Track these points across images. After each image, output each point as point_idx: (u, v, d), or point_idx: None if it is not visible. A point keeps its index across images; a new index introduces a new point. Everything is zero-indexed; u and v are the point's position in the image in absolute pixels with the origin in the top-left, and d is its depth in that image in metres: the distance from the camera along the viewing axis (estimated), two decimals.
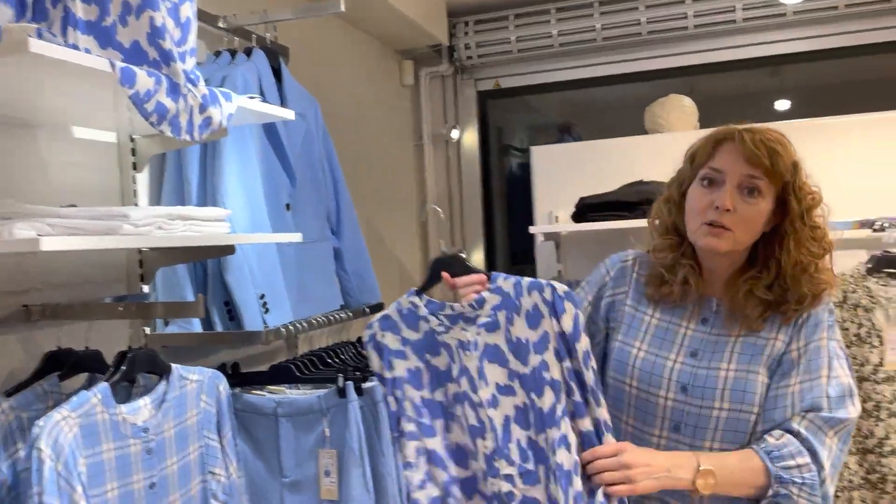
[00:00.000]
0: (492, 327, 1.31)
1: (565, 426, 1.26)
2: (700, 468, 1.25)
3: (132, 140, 1.74)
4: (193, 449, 1.43)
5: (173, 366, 1.41)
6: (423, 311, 1.34)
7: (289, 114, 1.67)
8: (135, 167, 1.73)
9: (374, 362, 1.35)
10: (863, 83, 3.68)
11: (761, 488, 1.27)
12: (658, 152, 2.69)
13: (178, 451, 1.39)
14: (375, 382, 1.40)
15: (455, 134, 3.56)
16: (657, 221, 1.45)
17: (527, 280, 1.30)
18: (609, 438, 1.25)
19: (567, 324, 1.26)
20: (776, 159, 1.29)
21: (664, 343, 1.39)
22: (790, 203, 1.32)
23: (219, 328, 1.75)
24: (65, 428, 1.18)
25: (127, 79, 1.14)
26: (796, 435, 1.27)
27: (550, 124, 4.06)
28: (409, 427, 1.30)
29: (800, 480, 1.25)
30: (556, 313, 1.27)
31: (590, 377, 1.25)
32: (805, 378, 1.31)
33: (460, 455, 1.31)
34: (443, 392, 1.32)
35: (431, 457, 1.31)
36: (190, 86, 1.28)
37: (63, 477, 1.16)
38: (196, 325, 1.75)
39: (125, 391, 1.42)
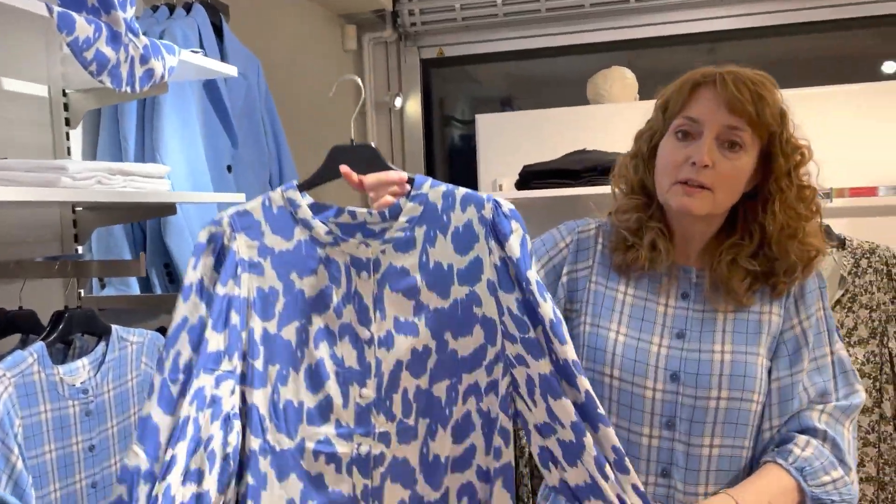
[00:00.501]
0: (404, 245, 1.00)
1: (497, 371, 1.01)
2: None
3: (65, 94, 1.67)
4: (134, 411, 1.39)
5: (112, 326, 1.37)
6: (305, 212, 1.00)
7: (231, 70, 1.63)
8: (68, 123, 1.67)
9: (199, 269, 0.97)
10: (795, 61, 3.80)
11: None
12: (600, 123, 2.74)
13: (118, 414, 1.36)
14: None
15: (398, 102, 3.53)
16: (622, 180, 1.25)
17: (462, 190, 1.01)
18: (582, 381, 0.98)
19: (514, 248, 0.98)
20: (762, 107, 1.11)
21: (644, 324, 1.18)
22: (776, 158, 1.15)
23: (158, 291, 1.71)
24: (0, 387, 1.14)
25: (65, 24, 1.09)
26: (817, 433, 1.13)
27: (493, 97, 4.06)
28: (227, 367, 0.96)
29: (838, 498, 1.11)
30: (497, 236, 0.99)
31: (547, 310, 0.97)
32: (811, 358, 1.16)
33: (291, 417, 1.00)
34: (296, 328, 1.00)
35: (249, 414, 0.98)
36: (131, 35, 1.23)
37: None
38: (134, 288, 1.71)
39: (61, 353, 1.38)
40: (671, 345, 1.16)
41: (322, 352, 1.00)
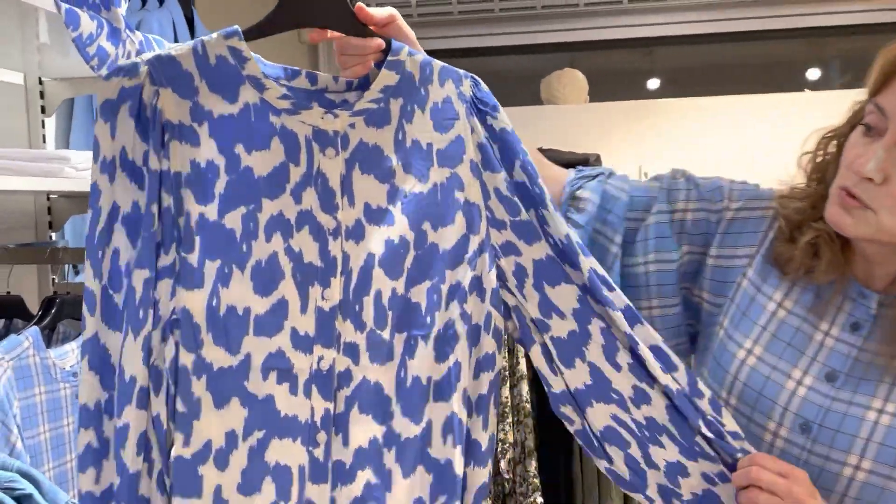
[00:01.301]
0: (378, 119, 0.83)
1: (481, 265, 0.86)
2: None
3: (41, 83, 1.68)
4: None
5: None
6: (254, 68, 0.79)
7: None
8: (44, 111, 1.68)
9: (118, 136, 0.76)
10: (727, 67, 4.03)
11: None
12: (554, 122, 2.87)
13: None
14: None
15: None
16: (814, 159, 0.96)
17: (438, 63, 0.86)
18: (587, 261, 0.85)
19: (504, 121, 0.86)
20: None
21: (788, 350, 0.91)
22: None
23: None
24: None
25: (71, 20, 1.13)
26: None
27: None
28: (163, 262, 0.77)
29: None
30: (479, 111, 0.86)
31: (538, 188, 0.85)
32: None
33: (233, 326, 0.78)
34: (242, 215, 0.79)
35: (180, 324, 0.77)
36: (128, 31, 1.27)
37: None
38: None
39: (46, 338, 1.41)
40: (814, 386, 0.88)
41: (275, 244, 0.80)
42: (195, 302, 0.77)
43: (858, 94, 0.89)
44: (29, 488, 0.90)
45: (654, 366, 0.85)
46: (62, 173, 1.15)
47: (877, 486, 0.84)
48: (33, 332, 1.26)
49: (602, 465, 0.89)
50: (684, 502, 0.87)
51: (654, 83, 4.24)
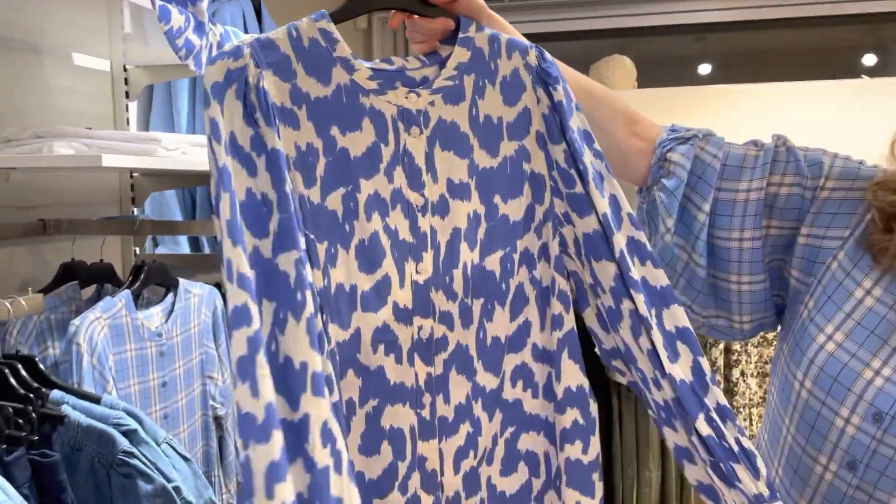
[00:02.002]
0: (454, 96, 0.85)
1: (547, 233, 0.90)
2: None
3: (125, 70, 1.83)
4: (195, 355, 1.58)
5: (179, 280, 1.56)
6: (344, 49, 0.81)
7: None
8: (128, 96, 1.83)
9: (226, 119, 0.74)
10: (781, 53, 4.01)
11: None
12: None
13: (183, 356, 1.55)
14: None
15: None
16: None
17: (504, 35, 0.88)
18: (618, 238, 0.86)
19: (561, 94, 0.87)
20: None
21: (870, 338, 0.89)
22: None
23: (206, 250, 1.89)
24: (97, 327, 1.33)
25: (163, 15, 1.26)
26: None
27: None
28: (302, 245, 0.77)
29: None
30: (545, 83, 0.87)
31: (588, 159, 0.86)
32: None
33: (343, 303, 0.81)
34: (342, 196, 0.81)
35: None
36: (211, 24, 1.40)
37: (97, 370, 1.31)
38: (184, 247, 1.89)
39: (133, 301, 1.56)
40: (892, 378, 0.87)
41: (375, 223, 0.82)
42: (317, 280, 0.78)
43: None
44: (134, 424, 1.04)
45: (662, 353, 0.85)
46: (155, 153, 1.28)
47: None
48: (125, 295, 1.41)
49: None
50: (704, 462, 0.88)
51: (705, 69, 4.25)
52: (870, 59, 3.92)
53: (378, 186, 0.83)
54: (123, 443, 1.02)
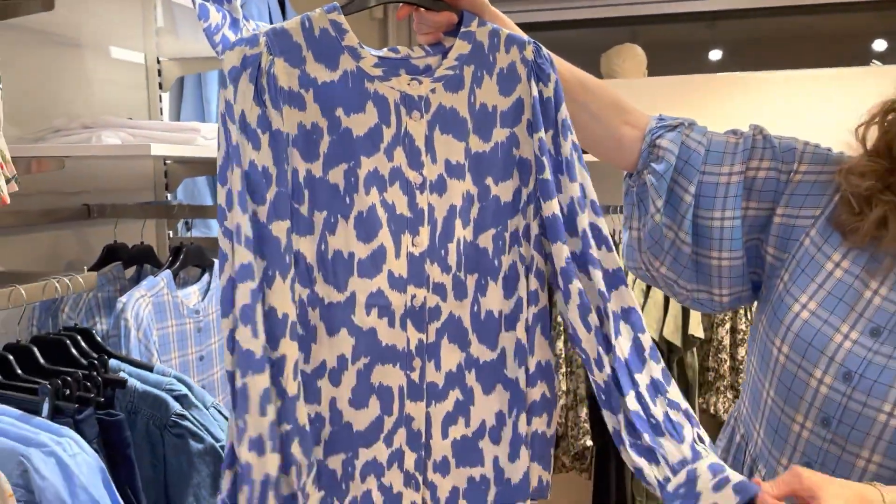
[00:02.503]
0: (454, 85, 0.93)
1: (529, 214, 0.97)
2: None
3: (158, 62, 1.93)
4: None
5: (215, 260, 1.66)
6: (352, 39, 0.89)
7: None
8: (161, 87, 1.93)
9: (239, 99, 0.84)
10: (791, 39, 4.06)
11: None
12: None
13: (218, 332, 1.65)
14: None
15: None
16: (867, 131, 1.03)
17: (504, 31, 0.96)
18: (582, 219, 0.93)
19: (551, 89, 0.95)
20: None
21: (840, 305, 0.98)
22: None
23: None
24: (142, 303, 1.43)
25: (203, 14, 1.34)
26: None
27: None
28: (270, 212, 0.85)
29: None
30: (539, 77, 0.95)
31: (567, 149, 0.94)
32: None
33: (340, 268, 0.90)
34: (344, 171, 0.90)
35: (296, 263, 0.88)
36: (245, 21, 1.49)
37: (143, 343, 1.42)
38: (215, 231, 1.98)
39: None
40: (859, 341, 0.96)
41: (373, 197, 0.90)
42: (307, 246, 0.88)
43: None
44: (184, 390, 1.14)
45: (610, 328, 0.91)
46: (195, 142, 1.38)
47: None
48: (167, 274, 1.51)
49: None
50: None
51: (715, 55, 4.30)
52: (880, 45, 3.96)
53: (378, 164, 0.90)
54: (176, 406, 1.12)
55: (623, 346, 0.92)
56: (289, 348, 0.83)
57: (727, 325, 2.22)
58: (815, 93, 3.00)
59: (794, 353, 0.99)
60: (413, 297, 0.93)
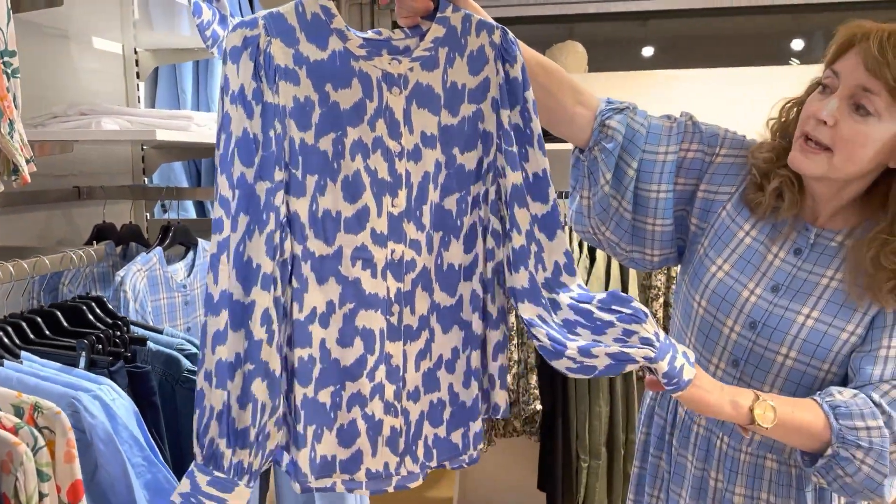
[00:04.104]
0: (429, 64, 1.04)
1: (489, 180, 1.09)
2: (759, 398, 1.06)
3: (136, 52, 2.03)
4: None
5: (199, 239, 1.78)
6: (340, 22, 0.99)
7: None
8: (138, 76, 2.03)
9: (240, 76, 0.94)
10: (715, 39, 4.34)
11: (821, 443, 1.07)
12: None
13: (203, 306, 1.78)
14: None
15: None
16: (774, 121, 1.23)
17: (476, 17, 1.07)
18: (552, 193, 1.08)
19: (517, 70, 1.07)
20: None
21: (748, 267, 1.19)
22: None
23: (212, 216, 2.11)
24: (139, 277, 1.55)
25: (197, 11, 1.48)
26: (875, 405, 1.06)
27: None
28: (279, 176, 0.98)
29: (866, 444, 1.04)
30: (504, 59, 1.07)
31: (537, 125, 1.07)
32: None
33: (329, 225, 1.02)
34: (332, 140, 1.01)
35: (291, 223, 1.00)
36: (232, 17, 1.62)
37: (140, 314, 1.54)
38: (191, 213, 2.10)
39: None
40: (762, 296, 1.17)
41: (357, 163, 1.02)
42: (301, 206, 1.00)
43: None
44: (194, 349, 1.28)
45: (566, 273, 1.09)
46: (189, 128, 1.51)
47: (799, 371, 1.14)
48: (158, 251, 1.64)
49: (533, 340, 1.08)
50: (603, 346, 1.03)
51: (648, 51, 4.56)
52: (798, 45, 4.28)
53: (362, 134, 1.01)
54: (187, 363, 1.26)
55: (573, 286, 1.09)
56: (258, 296, 0.95)
57: (661, 300, 2.45)
58: (739, 89, 3.26)
59: (711, 307, 1.19)
60: (392, 251, 1.05)
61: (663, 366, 1.01)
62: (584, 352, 1.02)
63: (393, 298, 1.06)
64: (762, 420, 1.04)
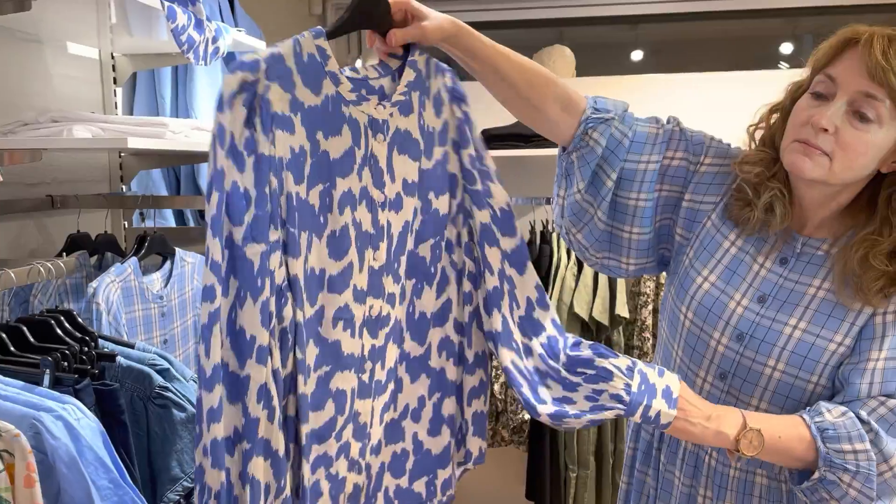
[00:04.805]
0: (406, 109, 0.99)
1: (459, 223, 1.06)
2: (746, 426, 1.03)
3: (113, 57, 1.99)
4: (190, 316, 1.78)
5: (176, 249, 1.74)
6: (334, 65, 0.92)
7: (260, 44, 1.98)
8: (115, 82, 1.99)
9: (228, 124, 0.85)
10: (705, 43, 4.33)
11: (807, 464, 1.05)
12: None
13: (180, 317, 1.74)
14: None
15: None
16: (757, 130, 1.19)
17: (434, 59, 1.04)
18: (517, 224, 1.06)
19: (468, 108, 1.05)
20: None
21: (734, 277, 1.16)
22: None
23: (191, 224, 2.07)
24: (112, 289, 1.51)
25: (171, 15, 1.44)
26: (863, 423, 1.04)
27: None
28: (274, 236, 0.90)
29: (853, 468, 1.02)
30: (457, 100, 1.04)
31: (489, 160, 1.05)
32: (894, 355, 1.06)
33: (313, 285, 0.94)
34: (320, 192, 0.93)
35: (292, 286, 0.92)
36: (207, 21, 1.58)
37: (113, 326, 1.50)
38: (170, 221, 2.06)
39: None
40: (749, 307, 1.14)
41: (346, 217, 0.94)
42: (298, 268, 0.91)
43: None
44: (166, 364, 1.24)
45: (538, 308, 1.06)
46: (164, 135, 1.47)
47: (788, 383, 1.10)
48: (133, 261, 1.59)
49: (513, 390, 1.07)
50: (573, 416, 1.00)
51: (637, 55, 4.55)
52: (787, 49, 4.27)
53: (351, 185, 0.95)
54: (158, 379, 1.22)
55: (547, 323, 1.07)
56: (253, 369, 0.87)
57: (650, 307, 2.42)
58: (729, 93, 3.24)
59: (697, 319, 1.16)
60: (371, 307, 1.00)
61: (636, 418, 1.00)
62: (555, 417, 0.99)
63: (367, 356, 1.01)
64: (747, 450, 1.03)
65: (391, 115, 0.98)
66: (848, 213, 1.13)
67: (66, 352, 1.10)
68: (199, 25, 1.55)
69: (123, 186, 2.00)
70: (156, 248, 1.69)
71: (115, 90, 1.98)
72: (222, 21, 2.15)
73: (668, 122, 1.23)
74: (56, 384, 1.06)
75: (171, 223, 2.05)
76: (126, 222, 2.01)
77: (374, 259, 0.98)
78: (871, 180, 1.10)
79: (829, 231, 1.14)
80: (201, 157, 1.94)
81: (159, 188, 2.05)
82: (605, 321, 2.32)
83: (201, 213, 2.09)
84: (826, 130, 1.04)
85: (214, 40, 1.62)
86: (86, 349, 1.15)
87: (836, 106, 1.04)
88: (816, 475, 1.04)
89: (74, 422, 0.98)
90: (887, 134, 1.03)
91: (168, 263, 1.73)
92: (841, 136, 1.04)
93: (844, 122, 1.04)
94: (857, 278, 1.07)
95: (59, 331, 1.23)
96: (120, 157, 2.00)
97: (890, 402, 1.04)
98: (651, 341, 2.45)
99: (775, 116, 1.17)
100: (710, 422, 1.03)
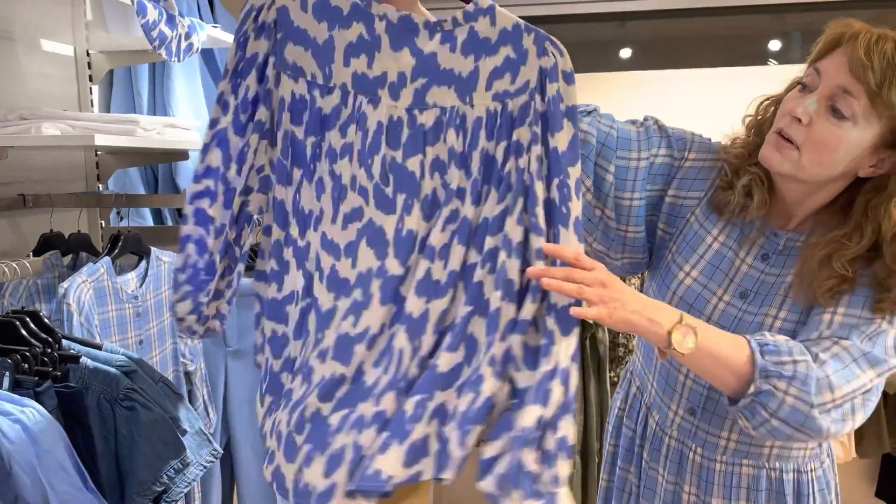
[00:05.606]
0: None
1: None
2: (682, 321, 1.00)
3: (88, 55, 1.96)
4: (166, 317, 1.75)
5: (152, 248, 1.71)
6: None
7: None
8: (91, 79, 1.96)
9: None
10: (693, 40, 4.32)
11: (742, 379, 1.01)
12: None
13: (156, 318, 1.71)
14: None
15: None
16: (750, 118, 1.19)
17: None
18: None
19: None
20: (891, 80, 0.98)
21: (716, 273, 1.15)
22: None
23: (169, 223, 2.05)
24: (84, 289, 1.48)
25: (141, 10, 1.42)
26: (815, 358, 1.01)
27: None
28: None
29: (790, 373, 0.98)
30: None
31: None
32: (853, 314, 1.04)
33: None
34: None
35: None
36: (180, 17, 1.56)
37: (85, 327, 1.47)
38: (148, 220, 2.04)
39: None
40: (731, 302, 1.14)
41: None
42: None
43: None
44: (133, 366, 1.21)
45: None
46: (135, 133, 1.44)
47: None
48: (106, 261, 1.57)
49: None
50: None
51: (625, 53, 4.53)
52: (776, 45, 4.27)
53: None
54: (126, 381, 1.19)
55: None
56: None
57: None
58: (718, 90, 3.23)
59: None
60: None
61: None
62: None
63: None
64: (679, 346, 0.99)
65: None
66: (829, 213, 1.12)
67: (27, 353, 1.07)
68: (170, 21, 1.52)
69: (100, 185, 1.98)
70: (130, 248, 1.66)
71: (90, 88, 1.95)
72: (200, 18, 2.13)
73: (647, 120, 1.22)
74: (16, 387, 1.04)
75: (149, 222, 2.03)
76: (103, 221, 1.98)
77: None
78: (851, 184, 1.09)
79: (811, 227, 1.13)
80: (177, 154, 1.91)
81: (137, 187, 2.02)
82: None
83: (179, 212, 2.06)
84: (800, 121, 1.03)
85: (188, 36, 1.60)
86: (48, 350, 1.12)
87: (813, 98, 1.03)
88: (752, 388, 0.99)
89: (34, 425, 0.96)
90: (862, 134, 1.02)
91: (143, 263, 1.70)
92: (814, 128, 1.03)
93: (820, 115, 1.03)
94: (811, 273, 1.06)
95: (23, 332, 1.20)
96: (97, 155, 1.97)
97: (844, 342, 1.02)
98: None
99: (772, 109, 1.16)
100: (647, 310, 0.99)
